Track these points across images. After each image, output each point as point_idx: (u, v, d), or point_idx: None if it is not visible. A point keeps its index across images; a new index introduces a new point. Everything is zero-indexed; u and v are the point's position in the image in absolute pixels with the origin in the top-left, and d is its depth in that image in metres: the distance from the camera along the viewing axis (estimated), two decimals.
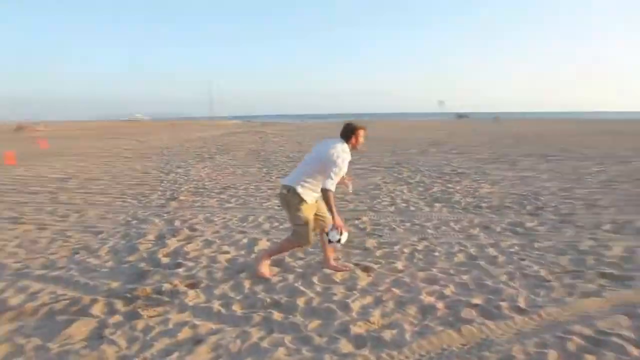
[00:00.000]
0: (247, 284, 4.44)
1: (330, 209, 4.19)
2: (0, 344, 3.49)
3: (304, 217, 4.29)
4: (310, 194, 4.28)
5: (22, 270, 5.04)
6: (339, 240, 4.30)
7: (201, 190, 9.39)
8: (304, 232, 4.31)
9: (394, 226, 6.27)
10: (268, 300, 4.02)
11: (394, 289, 4.21)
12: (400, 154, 15.22)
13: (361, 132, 4.27)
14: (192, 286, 4.38)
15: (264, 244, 5.61)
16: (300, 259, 5.07)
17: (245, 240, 5.79)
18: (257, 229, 6.31)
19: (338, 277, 4.52)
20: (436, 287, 4.23)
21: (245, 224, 6.63)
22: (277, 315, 3.76)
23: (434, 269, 4.68)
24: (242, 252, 5.36)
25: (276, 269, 4.78)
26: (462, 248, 5.30)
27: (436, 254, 5.14)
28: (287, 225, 6.40)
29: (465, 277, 4.47)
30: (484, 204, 7.51)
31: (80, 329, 3.67)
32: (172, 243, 5.74)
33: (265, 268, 4.60)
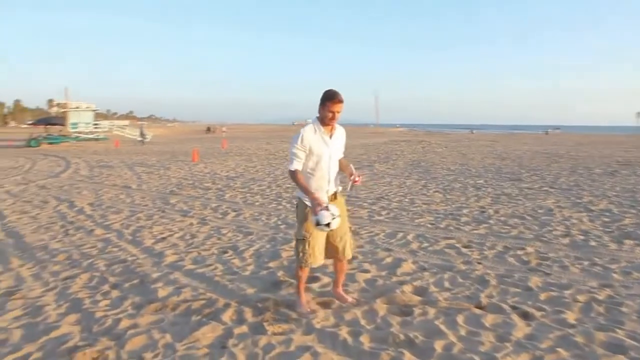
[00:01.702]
0: (381, 311, 3.97)
1: (301, 190, 3.61)
2: (140, 335, 3.59)
3: (307, 227, 3.70)
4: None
5: (176, 262, 5.33)
6: (328, 224, 3.47)
7: (354, 199, 9.17)
8: (301, 247, 3.76)
9: (566, 263, 5.18)
10: (401, 337, 3.49)
11: (560, 350, 3.32)
12: (582, 173, 13.15)
13: (327, 104, 3.49)
14: (324, 305, 4.06)
15: (408, 267, 5.07)
16: (448, 289, 4.42)
17: (389, 260, 5.33)
18: (404, 248, 5.79)
19: (489, 320, 3.77)
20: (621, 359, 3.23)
21: (392, 240, 6.16)
22: (408, 358, 3.22)
23: (620, 332, 3.61)
24: (383, 274, 4.91)
25: (417, 298, 4.21)
26: None
27: (624, 309, 3.99)
28: (438, 246, 5.79)
29: None
30: None
31: (207, 334, 3.60)
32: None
33: (304, 303, 4.01)
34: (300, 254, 3.79)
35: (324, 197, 3.70)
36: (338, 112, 3.55)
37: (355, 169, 4.10)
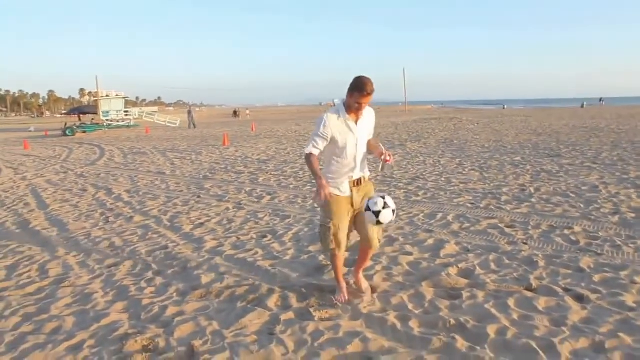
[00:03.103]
0: (428, 295, 3.89)
1: (312, 173, 3.49)
2: (188, 322, 3.62)
3: (329, 214, 3.60)
4: (331, 182, 3.56)
5: (216, 248, 5.35)
6: (377, 215, 3.37)
7: (389, 179, 9.04)
8: (322, 234, 3.66)
9: (618, 243, 4.96)
10: (452, 321, 3.40)
11: (621, 335, 3.17)
12: (626, 148, 12.61)
13: (355, 95, 3.34)
14: (371, 290, 4.00)
15: (451, 249, 4.96)
16: (494, 272, 4.29)
17: (430, 241, 5.22)
18: (445, 229, 5.67)
19: (541, 303, 3.64)
20: None
21: (432, 221, 6.05)
22: (460, 344, 3.13)
23: None
24: (426, 256, 4.81)
25: (464, 281, 4.11)
26: None
27: None
28: (480, 227, 5.65)
29: None
30: None
31: (255, 320, 3.59)
32: (354, 236, 5.49)
33: (342, 291, 3.89)
34: (322, 241, 3.71)
35: (345, 185, 3.59)
36: (365, 104, 3.43)
37: (387, 148, 3.97)
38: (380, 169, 3.72)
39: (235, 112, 65.50)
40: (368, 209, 3.44)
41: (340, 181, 3.59)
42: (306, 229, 5.92)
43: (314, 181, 9.17)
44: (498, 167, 10.04)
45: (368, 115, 3.63)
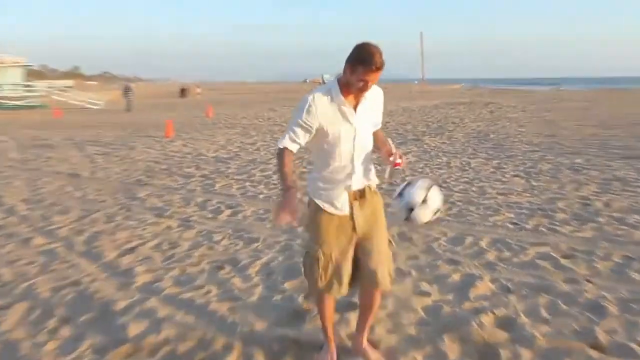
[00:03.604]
0: (452, 354, 3.87)
1: (279, 176, 3.49)
2: None
3: (316, 237, 3.55)
4: (321, 193, 3.55)
5: (152, 284, 5.30)
6: (410, 212, 3.46)
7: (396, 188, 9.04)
8: (307, 267, 3.60)
9: None
10: None
11: None
12: None
13: (359, 70, 3.26)
14: (373, 345, 3.95)
15: (485, 288, 4.96)
16: (546, 322, 4.28)
17: (456, 277, 5.22)
18: (476, 259, 5.68)
19: None
20: None
21: (458, 248, 6.05)
22: None
23: None
24: (450, 297, 4.81)
25: (503, 335, 4.07)
26: None
27: None
28: (525, 257, 5.69)
29: None
30: None
31: None
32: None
33: (330, 349, 3.87)
34: (307, 276, 3.61)
35: (341, 198, 3.51)
36: (372, 83, 3.33)
37: (397, 145, 3.90)
38: (386, 176, 3.63)
39: (182, 91, 65.35)
40: (401, 195, 3.46)
41: (334, 193, 3.50)
42: (281, 258, 5.89)
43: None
44: (551, 173, 10.11)
45: (373, 97, 3.54)
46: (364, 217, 3.54)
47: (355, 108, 3.44)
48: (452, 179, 9.79)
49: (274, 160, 12.35)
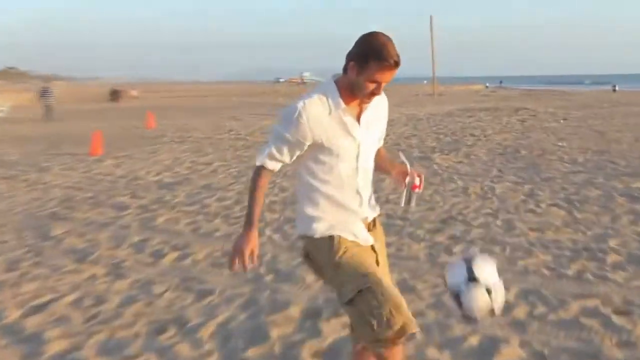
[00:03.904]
0: None
1: (249, 204, 3.62)
2: None
3: (353, 271, 3.46)
4: (333, 225, 3.56)
5: (69, 353, 5.26)
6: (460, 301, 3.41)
7: (398, 222, 9.08)
8: (366, 308, 3.36)
9: None
10: None
11: None
12: None
13: (372, 67, 3.29)
14: None
15: (512, 354, 4.98)
16: None
17: (473, 340, 5.25)
18: (501, 316, 5.66)
19: None
20: None
21: None
22: None
23: None
24: None
25: None
26: None
27: None
28: (566, 313, 5.75)
29: None
30: None
31: None
32: (329, 332, 5.45)
33: None
34: (375, 318, 3.34)
35: (361, 231, 3.61)
36: (386, 83, 3.39)
37: (412, 159, 3.89)
38: (402, 203, 3.72)
39: (114, 93, 65.32)
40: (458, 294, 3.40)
41: (350, 224, 3.61)
42: (243, 316, 5.88)
43: (259, 223, 9.13)
44: (601, 201, 10.22)
45: (377, 105, 3.64)
46: (380, 254, 3.73)
47: (358, 118, 3.51)
48: (469, 210, 9.85)
49: (236, 186, 12.45)
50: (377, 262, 3.64)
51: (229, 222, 9.48)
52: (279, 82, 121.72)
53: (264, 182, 3.56)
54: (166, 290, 6.62)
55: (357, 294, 3.39)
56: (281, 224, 9.23)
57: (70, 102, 56.03)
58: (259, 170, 3.54)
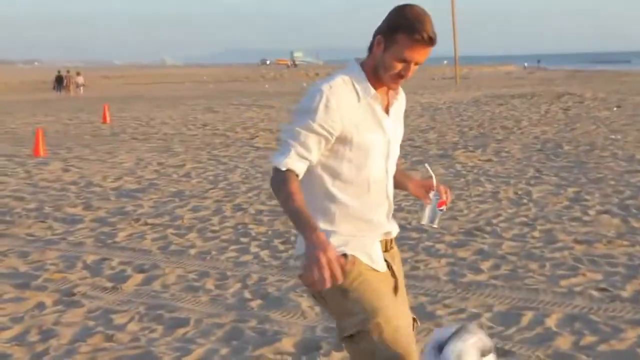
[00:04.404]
0: None
1: (290, 217, 3.25)
2: None
3: (364, 302, 3.38)
4: (347, 240, 3.46)
5: None
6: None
7: (412, 233, 9.10)
8: (368, 355, 3.35)
9: None
10: None
11: None
12: None
13: (404, 43, 3.26)
14: None
15: None
16: None
17: None
18: (540, 347, 5.72)
19: None
20: None
21: (512, 329, 6.12)
22: None
23: None
24: None
25: None
26: None
27: None
28: (622, 343, 5.76)
29: None
30: None
31: None
32: None
33: None
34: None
35: (375, 249, 3.53)
36: (420, 63, 3.37)
37: (414, 163, 3.92)
38: (424, 221, 3.74)
39: (59, 80, 65.12)
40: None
41: (368, 240, 3.52)
42: (224, 351, 5.87)
43: (245, 237, 9.17)
44: None
45: (401, 99, 3.67)
46: (400, 273, 3.67)
47: (387, 109, 3.51)
48: (501, 218, 9.90)
49: (213, 193, 12.46)
50: (396, 289, 3.60)
51: (205, 237, 9.46)
52: (265, 64, 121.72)
53: (295, 184, 3.28)
54: (130, 321, 6.60)
55: (361, 329, 3.37)
56: (270, 239, 9.22)
57: (6, 91, 56.05)
58: (284, 176, 3.30)
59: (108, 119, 27.80)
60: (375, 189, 3.50)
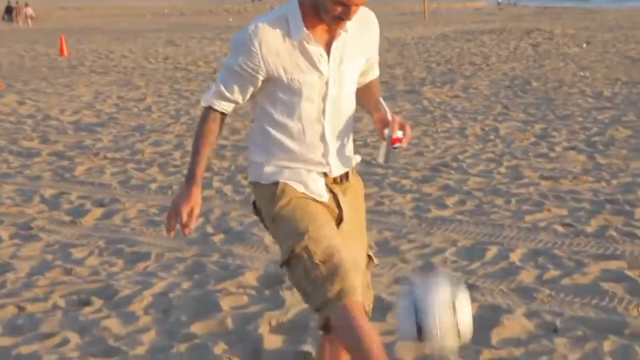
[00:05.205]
0: None
1: (193, 148, 3.52)
2: None
3: (294, 225, 3.38)
4: (283, 171, 3.47)
5: None
6: (419, 332, 3.16)
7: (378, 171, 9.11)
8: (302, 274, 3.29)
9: None
10: None
11: None
12: None
13: None
14: None
15: (517, 327, 5.04)
16: None
17: (472, 308, 5.30)
18: (504, 281, 5.78)
19: None
20: None
21: (476, 264, 6.20)
22: None
23: None
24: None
25: None
26: None
27: None
28: (584, 278, 5.82)
29: None
30: None
31: None
32: (292, 302, 5.52)
33: None
34: (312, 290, 3.28)
35: (314, 178, 3.52)
36: (357, 6, 3.21)
37: (392, 110, 3.76)
38: (379, 159, 3.61)
39: (9, 10, 64.18)
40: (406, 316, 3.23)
41: (300, 171, 3.50)
42: (186, 285, 5.89)
43: (206, 171, 9.16)
44: (631, 144, 10.37)
45: (359, 28, 3.50)
46: (348, 210, 3.57)
47: (327, 48, 3.39)
48: (467, 154, 9.96)
49: (175, 127, 12.42)
50: (340, 220, 3.50)
51: (167, 172, 9.49)
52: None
53: (212, 127, 3.44)
54: (89, 255, 6.61)
55: (291, 254, 3.34)
56: (233, 174, 9.28)
57: None
58: (206, 112, 3.45)
59: (66, 51, 27.47)
60: (310, 127, 3.47)
